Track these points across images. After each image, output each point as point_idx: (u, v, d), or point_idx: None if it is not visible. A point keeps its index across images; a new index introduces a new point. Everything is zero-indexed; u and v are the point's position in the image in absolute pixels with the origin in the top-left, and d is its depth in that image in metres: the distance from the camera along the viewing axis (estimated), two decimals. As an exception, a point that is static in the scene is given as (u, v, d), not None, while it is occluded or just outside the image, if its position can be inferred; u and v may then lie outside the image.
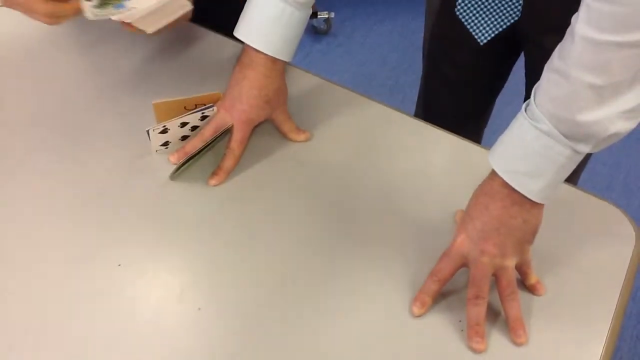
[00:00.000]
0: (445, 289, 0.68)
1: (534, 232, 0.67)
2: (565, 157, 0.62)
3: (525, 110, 0.63)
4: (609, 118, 0.58)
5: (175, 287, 0.69)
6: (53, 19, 0.79)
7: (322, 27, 2.36)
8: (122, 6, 0.81)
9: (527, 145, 0.63)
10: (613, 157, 1.92)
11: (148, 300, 0.68)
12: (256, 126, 0.84)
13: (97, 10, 0.79)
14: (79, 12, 0.79)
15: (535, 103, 0.62)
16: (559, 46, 0.60)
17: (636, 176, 1.89)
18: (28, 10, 0.78)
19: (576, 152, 0.61)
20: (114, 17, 0.80)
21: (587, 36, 0.56)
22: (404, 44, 2.35)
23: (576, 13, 0.58)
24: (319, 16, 2.31)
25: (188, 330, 0.66)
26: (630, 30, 0.53)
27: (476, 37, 0.98)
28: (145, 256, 0.71)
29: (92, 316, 0.66)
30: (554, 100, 0.60)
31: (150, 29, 0.82)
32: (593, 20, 0.55)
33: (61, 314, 0.66)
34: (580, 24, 0.57)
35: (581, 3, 0.57)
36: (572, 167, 0.63)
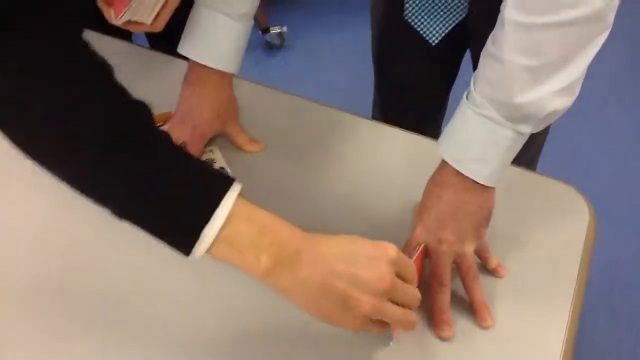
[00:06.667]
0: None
1: (488, 216, 0.68)
2: (509, 140, 0.63)
3: (467, 98, 0.65)
4: (545, 97, 0.59)
5: (158, 310, 0.69)
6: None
7: (275, 41, 2.37)
8: None
9: (472, 132, 0.64)
10: (575, 139, 1.96)
11: (131, 323, 0.68)
12: (210, 140, 0.85)
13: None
14: None
15: (475, 90, 0.63)
16: (492, 33, 0.62)
17: (597, 157, 1.93)
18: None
19: (519, 133, 0.63)
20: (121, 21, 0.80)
21: (515, 20, 0.58)
22: (359, 49, 2.37)
23: (504, 0, 0.60)
24: (271, 31, 2.32)
25: (176, 349, 0.66)
26: (553, 11, 0.55)
27: (427, 38, 0.99)
28: (125, 281, 0.72)
29: (78, 335, 0.66)
30: (492, 85, 0.61)
31: (148, 19, 0.80)
32: (519, 4, 0.57)
33: (45, 335, 0.67)
34: (508, 9, 0.58)
35: (507, -11, 0.59)
36: (518, 148, 0.65)
